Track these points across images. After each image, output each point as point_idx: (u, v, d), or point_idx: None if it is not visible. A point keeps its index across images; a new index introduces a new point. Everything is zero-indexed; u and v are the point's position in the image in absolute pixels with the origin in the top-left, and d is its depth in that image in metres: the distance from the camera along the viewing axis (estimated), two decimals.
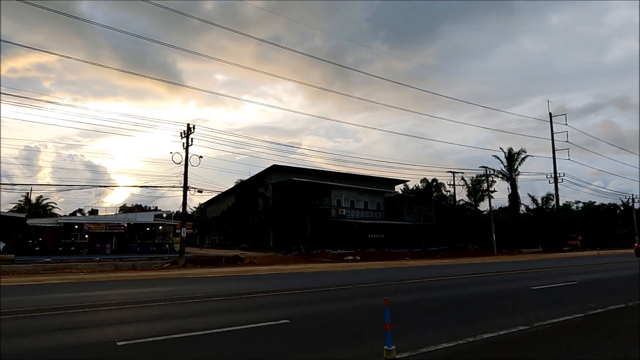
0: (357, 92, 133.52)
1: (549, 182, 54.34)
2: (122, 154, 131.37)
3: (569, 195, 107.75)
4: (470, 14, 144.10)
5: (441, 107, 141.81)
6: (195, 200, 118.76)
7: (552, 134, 55.63)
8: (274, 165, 47.88)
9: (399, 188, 60.90)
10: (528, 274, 18.06)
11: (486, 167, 51.35)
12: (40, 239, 38.00)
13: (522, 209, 59.22)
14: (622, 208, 72.65)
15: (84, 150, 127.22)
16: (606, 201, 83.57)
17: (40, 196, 60.86)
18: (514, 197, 55.58)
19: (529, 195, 61.75)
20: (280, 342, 6.22)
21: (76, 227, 40.12)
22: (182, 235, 29.16)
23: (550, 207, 58.18)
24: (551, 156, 55.22)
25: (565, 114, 55.85)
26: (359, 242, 42.41)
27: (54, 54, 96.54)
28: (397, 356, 5.13)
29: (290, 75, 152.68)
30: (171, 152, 27.88)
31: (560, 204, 58.77)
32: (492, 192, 51.58)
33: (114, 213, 47.80)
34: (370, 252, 36.92)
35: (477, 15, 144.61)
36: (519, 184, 55.74)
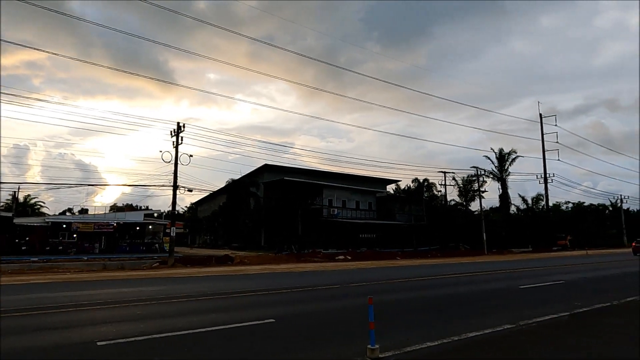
0: (350, 92, 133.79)
1: (539, 183, 54.77)
2: (113, 152, 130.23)
3: (558, 196, 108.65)
4: (463, 15, 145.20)
5: (434, 108, 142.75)
6: (187, 200, 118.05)
7: (542, 134, 56.08)
8: (266, 165, 47.73)
9: (390, 188, 61.07)
10: (517, 273, 18.17)
11: (477, 168, 51.76)
12: (27, 239, 37.43)
13: (513, 209, 59.74)
14: (610, 208, 73.70)
15: (74, 149, 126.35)
16: (595, 202, 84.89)
17: (28, 195, 60.15)
18: (504, 197, 56.04)
19: (520, 196, 62.19)
20: (267, 342, 6.15)
21: (64, 226, 39.58)
22: (172, 234, 28.94)
23: (540, 207, 58.69)
24: (541, 157, 55.73)
25: (555, 115, 56.54)
26: (351, 242, 42.43)
27: (44, 51, 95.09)
28: (380, 355, 5.09)
29: (284, 75, 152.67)
30: (161, 151, 27.59)
31: (550, 204, 59.47)
32: (483, 192, 52.02)
33: (104, 212, 47.33)
34: (361, 252, 36.96)
35: (469, 17, 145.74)
36: (509, 184, 56.33)
